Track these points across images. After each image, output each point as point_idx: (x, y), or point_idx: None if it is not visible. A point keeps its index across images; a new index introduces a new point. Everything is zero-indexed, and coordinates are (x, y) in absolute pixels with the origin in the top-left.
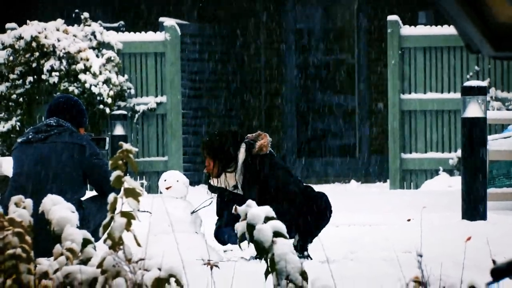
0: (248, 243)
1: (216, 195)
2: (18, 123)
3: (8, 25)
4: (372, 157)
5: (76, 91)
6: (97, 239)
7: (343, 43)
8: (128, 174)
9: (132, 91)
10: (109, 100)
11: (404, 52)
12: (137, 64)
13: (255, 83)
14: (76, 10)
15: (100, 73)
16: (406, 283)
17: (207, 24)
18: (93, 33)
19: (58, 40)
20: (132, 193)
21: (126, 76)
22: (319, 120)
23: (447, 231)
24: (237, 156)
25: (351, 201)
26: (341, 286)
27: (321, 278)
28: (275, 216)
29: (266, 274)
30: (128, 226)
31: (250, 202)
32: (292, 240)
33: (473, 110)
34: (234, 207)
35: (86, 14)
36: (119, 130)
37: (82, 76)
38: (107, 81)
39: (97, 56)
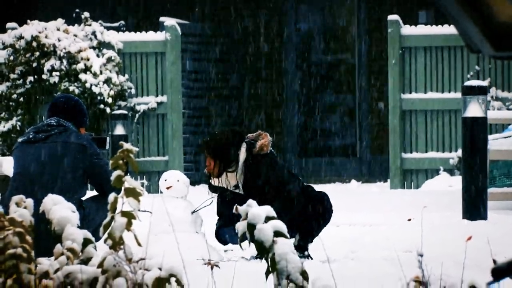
0: (249, 242)
1: (216, 195)
2: (19, 123)
3: (8, 25)
4: (373, 156)
5: (76, 91)
6: (97, 239)
7: (343, 42)
8: (128, 174)
9: (133, 91)
10: (110, 100)
11: (404, 51)
12: (138, 64)
13: (255, 82)
14: (77, 10)
15: (101, 72)
16: (406, 283)
17: (207, 23)
18: (93, 33)
19: (59, 40)
20: (132, 193)
21: (126, 76)
22: (320, 119)
23: (448, 231)
24: (238, 156)
25: (351, 201)
26: (342, 286)
27: (322, 277)
28: (275, 215)
29: (267, 273)
30: (128, 226)
31: (250, 201)
32: (292, 240)
33: (474, 109)
34: (235, 206)
35: (86, 14)
36: (119, 130)
37: (82, 76)
38: (107, 81)
39: (98, 55)
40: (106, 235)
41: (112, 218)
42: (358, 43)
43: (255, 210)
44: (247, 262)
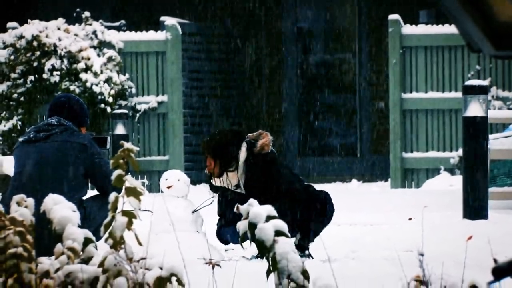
0: (250, 242)
1: (217, 194)
2: (19, 122)
3: (9, 24)
4: (373, 156)
5: (77, 90)
6: (98, 238)
7: (343, 42)
8: (129, 173)
9: (133, 90)
10: (110, 99)
11: (405, 51)
12: (138, 63)
13: (256, 82)
14: (77, 9)
15: (101, 72)
16: (407, 282)
17: (208, 23)
18: (94, 32)
19: (59, 39)
20: (133, 192)
21: (127, 75)
22: (320, 119)
23: (448, 230)
24: (238, 156)
25: (352, 200)
26: (343, 285)
27: (323, 277)
28: (276, 215)
29: (268, 273)
30: (129, 225)
31: (251, 201)
32: (293, 239)
33: (474, 109)
34: (236, 206)
35: (87, 13)
36: (120, 129)
37: (83, 75)
38: (108, 80)
39: (98, 55)
40: (106, 235)
41: (113, 217)
42: (359, 43)
43: (256, 210)
44: (248, 262)
